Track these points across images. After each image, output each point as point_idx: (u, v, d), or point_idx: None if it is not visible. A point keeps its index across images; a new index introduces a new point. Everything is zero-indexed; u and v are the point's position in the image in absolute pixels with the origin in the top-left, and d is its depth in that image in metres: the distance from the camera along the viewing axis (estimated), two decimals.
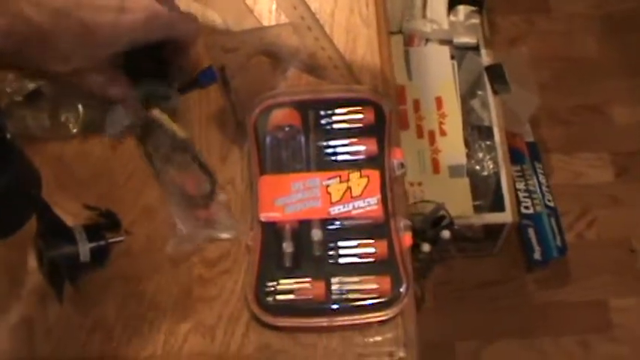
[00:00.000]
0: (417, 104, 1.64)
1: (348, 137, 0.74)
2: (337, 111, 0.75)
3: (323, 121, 0.74)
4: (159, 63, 0.75)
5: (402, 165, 0.73)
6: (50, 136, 0.78)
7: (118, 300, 0.71)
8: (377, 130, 0.74)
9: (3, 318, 0.71)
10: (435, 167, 1.58)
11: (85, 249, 0.69)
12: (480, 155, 1.60)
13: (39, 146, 0.77)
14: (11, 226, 0.74)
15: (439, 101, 1.64)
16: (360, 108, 0.75)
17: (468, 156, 1.59)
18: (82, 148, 0.78)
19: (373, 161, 0.73)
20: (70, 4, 0.63)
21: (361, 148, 0.73)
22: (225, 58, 0.71)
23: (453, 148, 1.60)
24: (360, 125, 0.74)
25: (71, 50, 0.65)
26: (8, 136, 0.71)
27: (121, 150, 0.78)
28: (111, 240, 0.71)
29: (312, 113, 0.74)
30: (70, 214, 0.72)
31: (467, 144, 1.61)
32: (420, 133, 1.61)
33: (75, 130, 0.78)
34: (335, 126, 0.74)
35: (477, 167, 1.59)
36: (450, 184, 1.56)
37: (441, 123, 1.62)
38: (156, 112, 0.74)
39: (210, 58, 0.77)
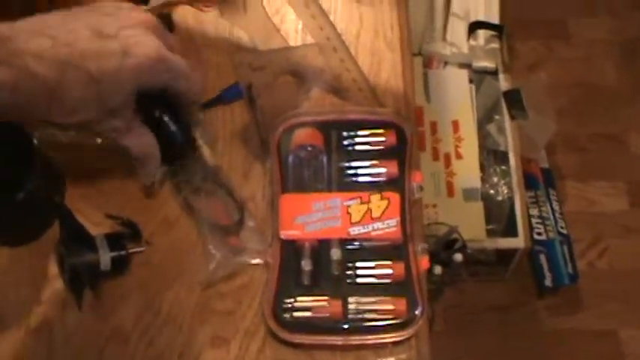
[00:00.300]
0: (434, 126, 1.65)
1: (370, 159, 0.75)
2: (360, 132, 0.76)
3: (345, 142, 0.75)
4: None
5: (421, 188, 0.74)
6: (75, 144, 0.79)
7: (136, 309, 0.72)
8: (398, 152, 0.75)
9: (23, 322, 0.72)
10: (450, 190, 1.58)
11: (105, 258, 0.70)
12: (495, 180, 1.61)
13: (64, 154, 0.78)
14: (34, 231, 0.76)
15: (456, 124, 1.65)
16: (382, 130, 0.76)
17: (483, 180, 1.60)
18: (105, 158, 0.79)
19: (393, 183, 0.73)
20: (75, 54, 0.60)
21: (382, 170, 0.74)
22: (252, 76, 0.72)
23: (468, 171, 1.60)
24: (382, 147, 0.75)
25: (78, 102, 0.61)
26: (35, 142, 0.73)
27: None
28: (131, 250, 0.73)
29: (334, 134, 0.76)
30: (93, 222, 0.73)
31: (482, 168, 1.62)
32: (435, 156, 1.62)
33: (99, 141, 0.79)
34: (357, 147, 0.75)
35: (492, 191, 1.59)
36: (464, 208, 1.57)
37: (457, 146, 1.63)
38: (195, 134, 0.75)
39: (236, 75, 0.79)
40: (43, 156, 0.74)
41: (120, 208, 0.76)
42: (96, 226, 0.73)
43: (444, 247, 1.41)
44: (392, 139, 0.75)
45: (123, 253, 0.72)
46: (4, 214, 0.72)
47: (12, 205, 0.71)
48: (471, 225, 1.53)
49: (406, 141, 0.76)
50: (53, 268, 0.73)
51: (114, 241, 0.72)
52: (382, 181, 0.74)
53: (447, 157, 1.62)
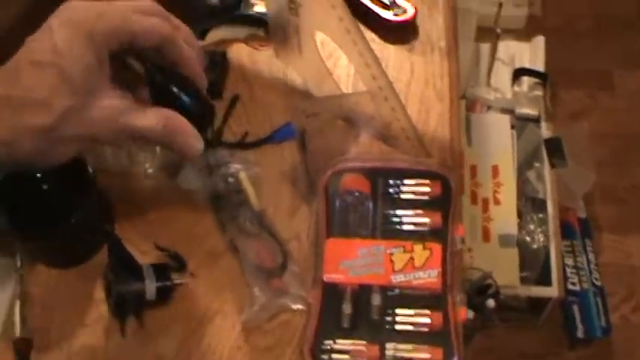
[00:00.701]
0: (473, 170, 1.66)
1: (414, 208, 0.76)
2: (406, 181, 0.77)
3: (391, 190, 0.77)
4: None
5: (462, 240, 0.75)
6: (127, 173, 0.82)
7: (178, 340, 0.74)
8: (442, 203, 0.76)
9: (67, 343, 0.74)
10: (486, 235, 1.59)
11: (151, 287, 0.72)
12: (532, 227, 1.61)
13: (115, 182, 0.81)
14: (83, 256, 0.78)
15: (495, 170, 1.66)
16: (428, 181, 0.77)
17: (520, 227, 1.60)
18: (156, 189, 0.82)
19: (436, 234, 0.75)
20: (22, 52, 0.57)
21: (426, 220, 0.75)
22: (305, 122, 0.74)
23: (505, 217, 1.61)
24: (427, 198, 0.77)
25: (47, 91, 0.56)
26: (90, 170, 0.75)
27: (192, 196, 0.80)
28: (176, 281, 0.74)
29: (381, 181, 0.77)
30: (140, 251, 0.76)
31: (519, 215, 1.62)
32: (474, 200, 1.62)
33: (150, 171, 0.82)
34: (402, 196, 0.77)
35: (528, 239, 1.59)
36: (499, 253, 1.57)
37: (495, 191, 1.63)
38: (242, 176, 0.77)
39: (291, 118, 0.81)
40: (96, 184, 0.76)
41: (167, 239, 0.78)
42: (143, 254, 0.76)
43: (477, 292, 1.41)
44: (437, 189, 0.77)
45: (168, 283, 0.74)
46: (55, 237, 0.75)
47: (64, 230, 0.73)
48: (505, 271, 1.53)
49: (451, 192, 0.77)
50: (98, 292, 0.75)
51: (160, 271, 0.74)
52: (425, 230, 0.75)
53: (485, 201, 1.62)
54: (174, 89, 0.63)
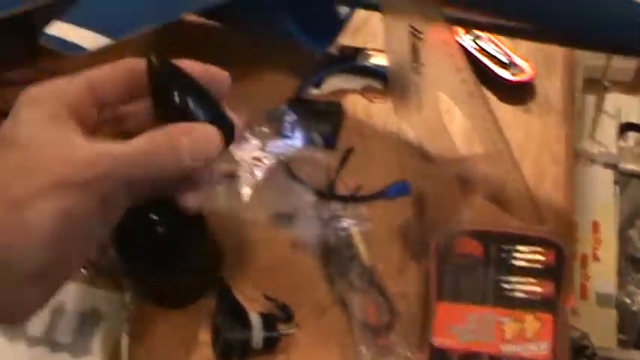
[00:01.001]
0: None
1: (527, 276, 0.75)
2: (519, 247, 0.76)
3: (503, 256, 0.76)
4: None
5: (573, 311, 0.74)
6: (240, 218, 0.83)
7: None
8: (555, 273, 0.75)
9: None
10: (583, 292, 1.55)
11: (258, 337, 0.73)
12: (632, 288, 1.56)
13: (228, 227, 0.82)
14: (191, 298, 0.80)
15: (596, 225, 1.62)
16: (542, 248, 0.76)
17: (619, 286, 1.56)
18: (267, 236, 0.82)
19: (548, 305, 0.73)
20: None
21: (538, 289, 0.74)
22: (423, 183, 0.74)
23: (604, 275, 1.57)
24: (539, 266, 0.75)
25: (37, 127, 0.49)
26: (204, 213, 0.77)
27: (302, 247, 0.81)
28: (283, 332, 0.75)
29: (493, 246, 0.76)
30: (248, 298, 0.76)
31: (619, 274, 1.58)
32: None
33: (264, 218, 0.83)
34: (515, 262, 0.76)
35: (627, 300, 1.55)
36: (596, 313, 1.53)
37: (595, 248, 1.60)
38: (355, 231, 0.77)
39: (407, 176, 0.81)
40: (209, 227, 0.78)
41: (275, 287, 0.78)
42: (250, 301, 0.76)
43: (574, 352, 1.38)
44: (550, 258, 0.75)
45: (275, 334, 0.74)
46: (166, 278, 0.76)
47: (175, 271, 0.75)
48: (602, 332, 1.49)
49: (564, 261, 0.75)
50: (203, 335, 0.76)
51: (268, 321, 0.74)
52: (537, 300, 0.74)
53: (584, 258, 1.59)
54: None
